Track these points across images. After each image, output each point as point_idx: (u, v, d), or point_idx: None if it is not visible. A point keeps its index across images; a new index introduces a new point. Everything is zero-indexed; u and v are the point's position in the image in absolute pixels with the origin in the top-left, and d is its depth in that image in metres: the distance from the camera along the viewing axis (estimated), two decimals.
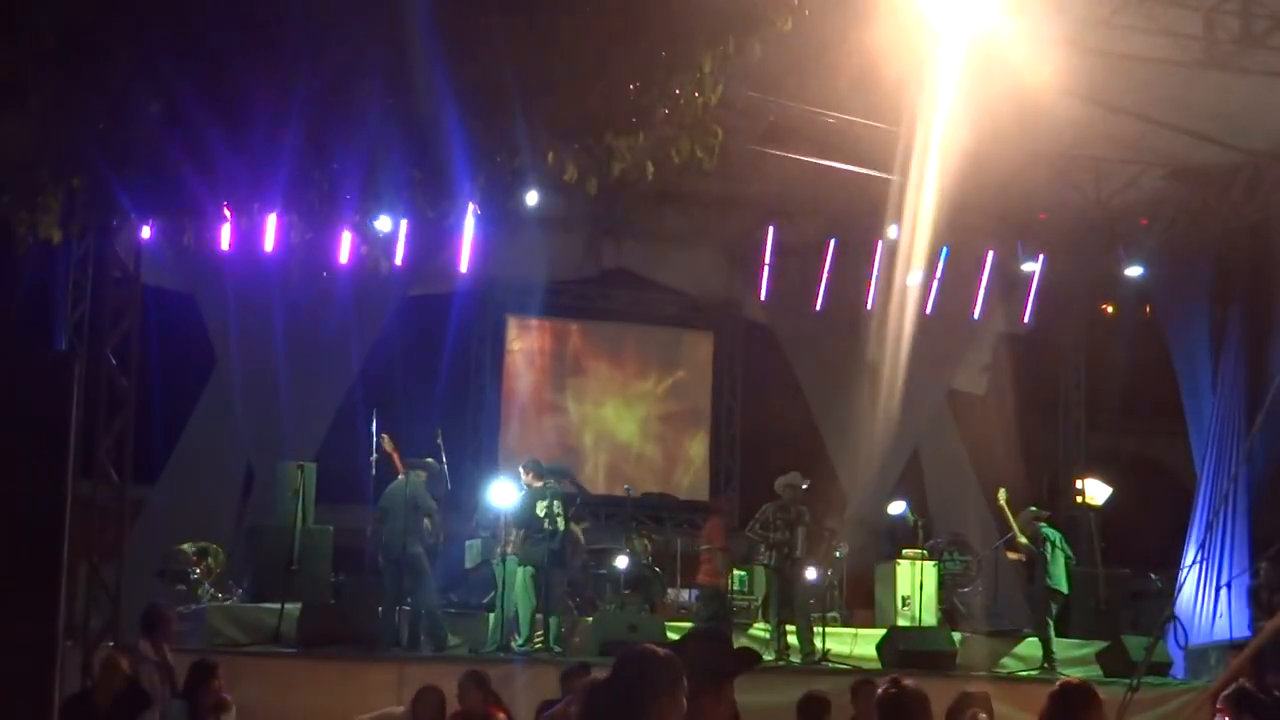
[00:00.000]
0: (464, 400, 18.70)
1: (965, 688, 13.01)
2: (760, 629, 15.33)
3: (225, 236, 15.79)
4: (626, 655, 4.72)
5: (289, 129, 5.98)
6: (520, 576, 14.18)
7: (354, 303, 16.53)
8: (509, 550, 14.26)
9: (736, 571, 16.30)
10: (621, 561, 15.61)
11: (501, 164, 6.79)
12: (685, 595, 17.10)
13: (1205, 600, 16.92)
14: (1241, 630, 16.18)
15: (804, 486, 15.44)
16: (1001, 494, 16.03)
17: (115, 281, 13.39)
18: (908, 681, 6.29)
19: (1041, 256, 18.41)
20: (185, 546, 14.77)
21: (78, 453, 11.67)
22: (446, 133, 6.23)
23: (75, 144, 6.09)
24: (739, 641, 8.28)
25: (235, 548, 15.70)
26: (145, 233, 14.12)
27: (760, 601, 15.90)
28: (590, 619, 14.73)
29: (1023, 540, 15.60)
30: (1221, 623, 16.64)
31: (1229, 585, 16.78)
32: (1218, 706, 7.89)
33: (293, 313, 16.28)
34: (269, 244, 15.92)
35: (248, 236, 15.77)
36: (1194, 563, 17.11)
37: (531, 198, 15.77)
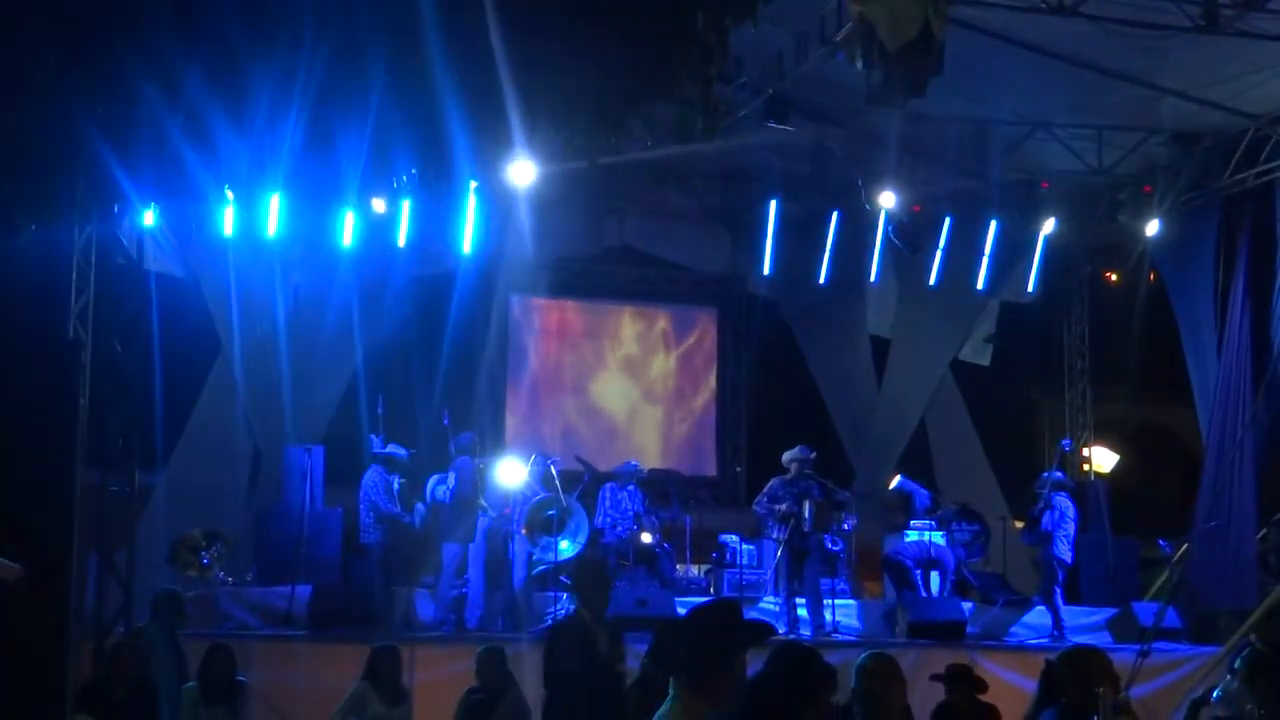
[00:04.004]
0: (469, 380, 18.70)
1: (973, 657, 13.12)
2: (770, 602, 15.37)
3: (227, 221, 15.81)
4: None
5: (291, 107, 5.98)
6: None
7: (357, 285, 16.54)
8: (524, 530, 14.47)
9: (745, 546, 16.34)
10: (646, 537, 15.69)
11: (503, 140, 6.79)
12: (694, 571, 17.13)
13: (1213, 565, 16.91)
14: (1250, 594, 16.18)
15: (811, 460, 15.48)
16: (1062, 444, 16.09)
17: (118, 269, 13.41)
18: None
19: (1045, 225, 18.38)
20: (194, 532, 14.80)
21: (86, 441, 11.76)
22: (449, 109, 6.23)
23: (76, 128, 6.09)
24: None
25: (244, 532, 15.74)
26: (148, 219, 14.15)
27: (770, 575, 15.94)
28: None
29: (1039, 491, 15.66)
30: (1229, 588, 16.64)
31: (1237, 550, 16.78)
32: (1231, 669, 7.90)
33: (296, 296, 16.31)
34: (271, 228, 15.92)
35: (250, 221, 15.79)
36: (1201, 528, 17.11)
37: (531, 175, 15.78)
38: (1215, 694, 7.93)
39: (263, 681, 11.98)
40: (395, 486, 14.74)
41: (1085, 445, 18.64)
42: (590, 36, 6.19)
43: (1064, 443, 16.18)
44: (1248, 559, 16.59)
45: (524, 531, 14.51)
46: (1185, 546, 16.71)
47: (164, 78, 5.78)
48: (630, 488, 16.00)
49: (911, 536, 16.24)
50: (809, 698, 4.66)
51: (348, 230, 16.38)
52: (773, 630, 5.30)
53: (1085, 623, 15.80)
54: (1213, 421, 17.56)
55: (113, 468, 13.21)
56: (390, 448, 14.79)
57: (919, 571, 15.96)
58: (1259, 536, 16.64)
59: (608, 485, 16.10)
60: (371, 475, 14.72)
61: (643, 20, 6.27)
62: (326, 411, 16.80)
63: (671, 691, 5.23)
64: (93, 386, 12.37)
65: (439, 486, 14.77)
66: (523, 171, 15.53)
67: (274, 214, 15.85)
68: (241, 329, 16.32)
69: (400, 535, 14.65)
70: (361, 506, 14.70)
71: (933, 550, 16.01)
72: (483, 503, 14.55)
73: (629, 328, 21.09)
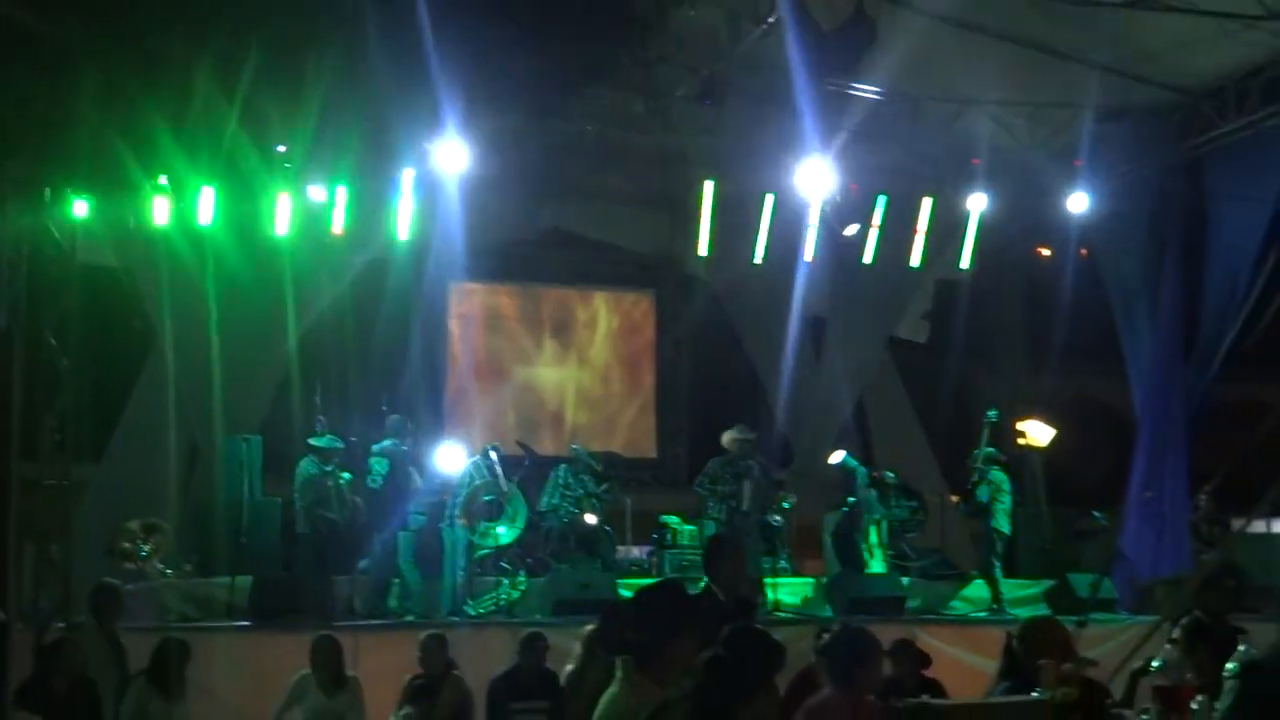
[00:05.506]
0: (408, 367, 18.62)
1: (914, 632, 13.24)
2: None
3: (160, 211, 15.64)
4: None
5: (226, 98, 5.94)
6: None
7: (293, 273, 16.41)
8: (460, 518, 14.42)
9: (686, 527, 16.38)
10: (590, 518, 15.74)
11: (439, 125, 6.78)
12: (635, 552, 17.17)
13: (1148, 536, 17.14)
14: (1184, 563, 16.41)
15: (750, 439, 15.55)
16: (990, 414, 16.17)
17: (50, 260, 13.25)
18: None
19: (978, 202, 18.47)
20: (132, 524, 14.67)
21: (20, 434, 11.63)
22: (384, 95, 6.21)
23: (12, 121, 6.02)
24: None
25: (183, 523, 15.62)
26: (80, 209, 14.00)
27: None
28: (543, 579, 14.77)
29: (975, 466, 15.77)
30: (1164, 557, 16.87)
31: (1171, 520, 17.00)
32: (1170, 639, 8.00)
33: (231, 285, 16.13)
34: (205, 217, 15.76)
35: (183, 211, 15.63)
36: (1136, 499, 17.32)
37: (464, 160, 15.68)
38: (1155, 663, 8.03)
39: (205, 673, 11.90)
40: (339, 479, 14.66)
41: (1021, 419, 18.78)
42: (528, 19, 6.17)
43: (990, 413, 16.25)
44: (1181, 529, 16.82)
45: (461, 519, 14.45)
46: (1119, 517, 16.94)
47: (98, 69, 5.73)
48: (582, 473, 16.04)
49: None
50: (760, 676, 4.70)
51: (282, 218, 16.23)
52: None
53: (1023, 595, 15.94)
54: (1146, 394, 17.77)
55: (48, 461, 13.07)
56: (325, 439, 14.71)
57: (859, 539, 16.09)
58: (1192, 506, 16.87)
59: (561, 468, 16.11)
60: (305, 466, 14.66)
61: (585, 5, 6.27)
62: (263, 401, 16.70)
63: (618, 673, 5.25)
64: (25, 379, 12.24)
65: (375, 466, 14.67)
66: (456, 156, 15.43)
67: (207, 204, 15.68)
68: (175, 320, 16.19)
69: (331, 526, 14.59)
70: (296, 497, 14.64)
71: (861, 503, 16.11)
72: (417, 482, 14.55)
73: (566, 311, 21.10)
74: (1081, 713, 6.17)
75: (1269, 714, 5.20)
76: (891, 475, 16.80)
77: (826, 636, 6.65)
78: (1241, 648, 6.81)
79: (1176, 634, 7.84)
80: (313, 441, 14.69)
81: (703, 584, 8.78)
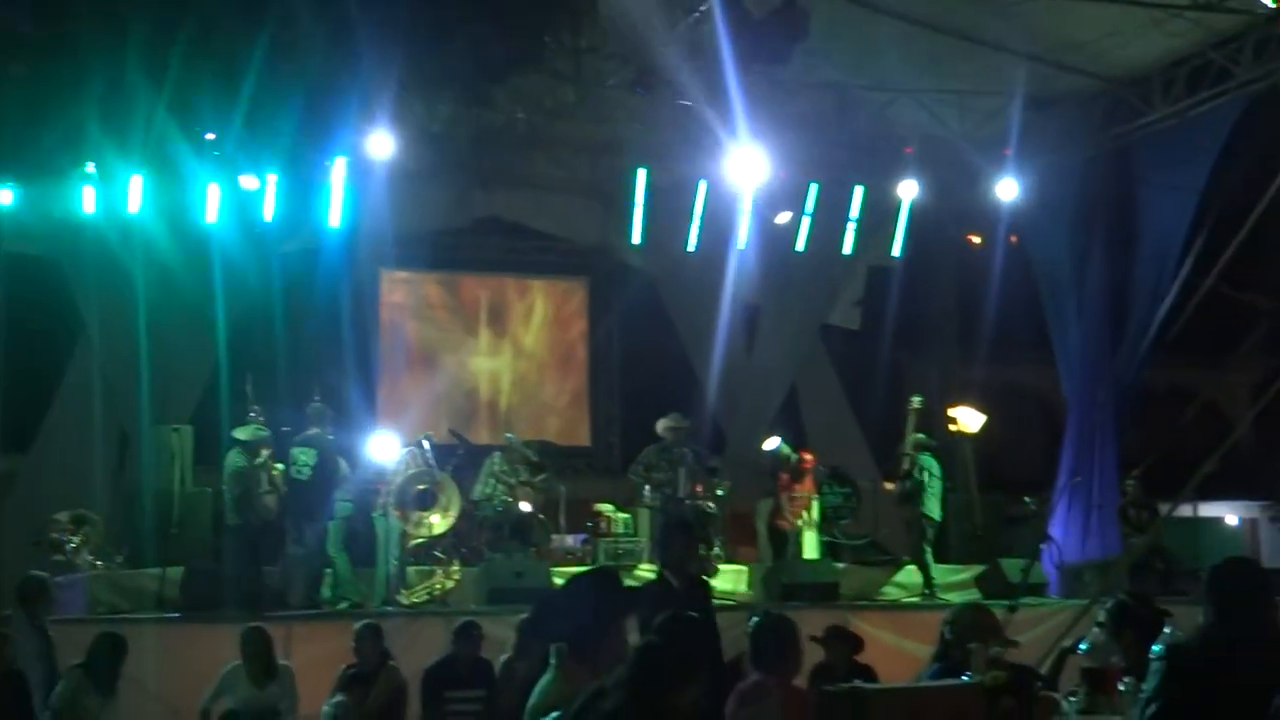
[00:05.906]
0: (339, 357, 18.53)
1: (847, 617, 13.32)
2: (646, 570, 15.42)
3: (89, 199, 15.48)
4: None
5: (158, 86, 5.89)
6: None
7: (224, 262, 16.27)
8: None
9: (620, 515, 16.40)
10: (525, 506, 15.69)
11: (370, 114, 6.76)
12: (569, 540, 17.16)
13: (1077, 520, 17.33)
14: (1113, 547, 16.61)
15: (684, 427, 15.59)
16: (915, 401, 16.20)
17: None
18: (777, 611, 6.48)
19: (909, 189, 18.57)
20: (61, 515, 14.52)
21: None
22: (317, 83, 6.18)
23: None
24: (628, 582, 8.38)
25: (113, 514, 15.47)
26: (5, 197, 13.84)
27: (645, 543, 16.01)
28: (477, 568, 14.74)
29: (906, 453, 15.82)
30: (1093, 541, 17.06)
31: (1100, 504, 17.20)
32: (1097, 621, 8.08)
33: (161, 275, 16.00)
34: (134, 205, 15.60)
35: (111, 199, 15.47)
36: (1066, 485, 17.51)
37: (390, 148, 15.59)
38: (1082, 645, 8.11)
39: (136, 664, 11.80)
40: (274, 469, 14.53)
41: (953, 405, 18.92)
42: (457, 5, 6.16)
43: (914, 400, 16.31)
44: (1110, 513, 17.02)
45: (395, 510, 14.39)
46: (1049, 503, 17.11)
47: (25, 56, 5.67)
48: (516, 461, 16.00)
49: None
50: (693, 665, 4.72)
51: (212, 206, 16.10)
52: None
53: (955, 580, 16.05)
54: (1074, 380, 17.95)
55: None
56: (248, 430, 14.56)
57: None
58: (1120, 491, 17.06)
59: (495, 456, 16.06)
60: (233, 458, 14.52)
61: None
62: (194, 391, 16.54)
63: (552, 661, 5.26)
64: None
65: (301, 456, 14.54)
66: (383, 144, 15.37)
67: (136, 192, 15.53)
68: (103, 309, 16.03)
69: (260, 516, 14.46)
70: (225, 489, 14.52)
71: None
72: (344, 470, 14.46)
73: (500, 299, 21.06)
74: (1011, 695, 6.24)
75: (1191, 693, 5.29)
76: (798, 453, 16.80)
77: (749, 624, 6.71)
78: (1167, 630, 6.88)
79: (1103, 616, 7.92)
80: (236, 434, 14.52)
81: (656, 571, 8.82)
